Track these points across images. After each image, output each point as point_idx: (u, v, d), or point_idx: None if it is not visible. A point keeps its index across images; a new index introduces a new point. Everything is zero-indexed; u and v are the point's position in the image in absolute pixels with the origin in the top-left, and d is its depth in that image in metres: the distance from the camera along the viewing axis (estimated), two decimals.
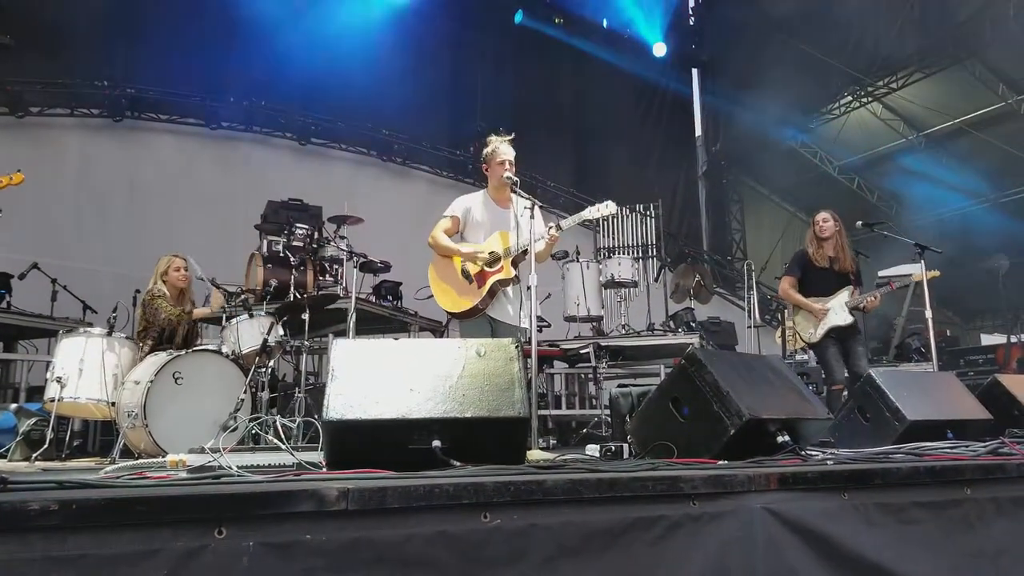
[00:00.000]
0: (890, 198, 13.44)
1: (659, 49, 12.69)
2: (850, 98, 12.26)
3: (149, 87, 9.27)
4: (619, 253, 8.15)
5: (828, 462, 2.52)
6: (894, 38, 10.68)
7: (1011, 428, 3.48)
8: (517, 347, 2.57)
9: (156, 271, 5.18)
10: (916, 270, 5.14)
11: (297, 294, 5.57)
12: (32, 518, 1.43)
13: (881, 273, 8.26)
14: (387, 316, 6.75)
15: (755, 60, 11.64)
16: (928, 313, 4.95)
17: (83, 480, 1.81)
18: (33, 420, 4.15)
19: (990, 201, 12.31)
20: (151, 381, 3.92)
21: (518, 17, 11.63)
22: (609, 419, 5.64)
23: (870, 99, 12.18)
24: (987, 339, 9.65)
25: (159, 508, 1.54)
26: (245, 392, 4.00)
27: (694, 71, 13.95)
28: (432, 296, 4.28)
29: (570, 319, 7.24)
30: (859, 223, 5.66)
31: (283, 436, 3.16)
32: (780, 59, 11.13)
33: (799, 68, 11.07)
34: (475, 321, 4.13)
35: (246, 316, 4.67)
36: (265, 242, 6.45)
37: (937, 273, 5.32)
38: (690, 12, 13.56)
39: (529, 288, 3.85)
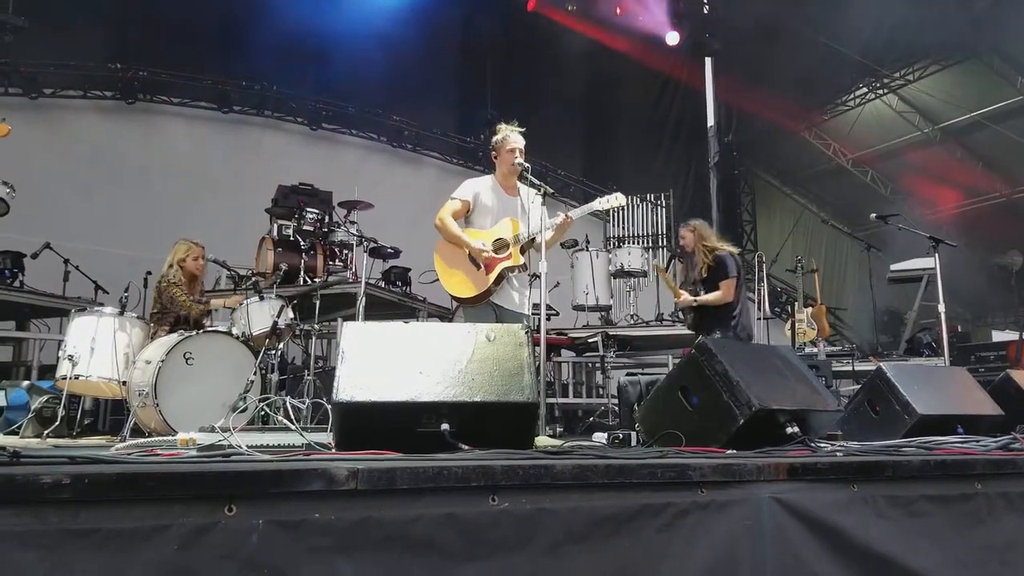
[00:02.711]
0: (904, 191, 13.32)
1: (672, 38, 12.57)
2: (865, 90, 12.12)
3: (162, 70, 9.28)
4: (629, 242, 8.13)
5: (837, 453, 2.51)
6: (911, 29, 10.54)
7: (1022, 424, 3.45)
8: (527, 333, 2.57)
9: (173, 255, 5.04)
10: (929, 263, 5.09)
11: (307, 278, 5.59)
12: (45, 492, 1.44)
13: (893, 267, 8.21)
14: (396, 302, 6.76)
15: (769, 50, 11.51)
16: (941, 307, 4.91)
17: (95, 456, 1.83)
18: (45, 398, 4.19)
19: (1005, 196, 12.18)
20: (162, 361, 3.95)
21: (530, 4, 11.56)
22: (616, 408, 5.64)
23: (886, 91, 12.04)
24: (998, 336, 9.57)
25: (170, 484, 1.55)
26: (255, 373, 4.02)
27: (707, 60, 13.80)
28: (437, 280, 4.27)
29: (578, 308, 7.23)
30: (873, 215, 5.61)
31: (293, 417, 3.18)
32: (795, 49, 11.01)
33: (814, 58, 10.95)
34: (480, 308, 4.11)
35: (257, 298, 4.68)
36: (275, 226, 6.47)
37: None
38: (704, 1, 13.41)
39: (538, 276, 3.85)
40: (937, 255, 5.05)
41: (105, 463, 1.74)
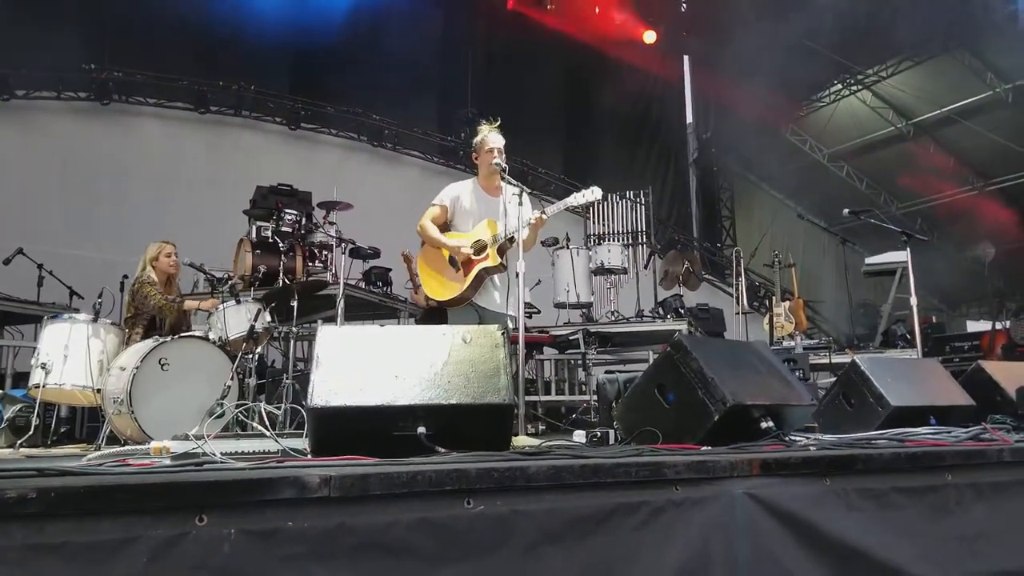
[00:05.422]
0: (878, 186, 13.49)
1: (650, 36, 12.62)
2: (840, 86, 12.26)
3: (137, 70, 9.16)
4: (609, 240, 8.15)
5: (811, 448, 2.54)
6: (885, 26, 10.66)
7: (993, 414, 3.51)
8: (503, 333, 2.57)
9: (145, 257, 5.05)
10: (903, 257, 5.16)
11: (286, 280, 5.55)
12: (10, 506, 1.41)
13: (868, 260, 8.31)
14: (376, 302, 6.73)
15: (746, 47, 11.58)
16: (913, 300, 4.98)
17: (64, 467, 1.80)
18: (18, 407, 4.12)
19: (977, 189, 12.38)
20: (136, 367, 3.89)
21: (509, 2, 11.56)
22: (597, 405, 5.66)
23: (860, 87, 12.19)
24: (972, 326, 9.74)
25: (139, 496, 1.53)
26: (232, 379, 3.98)
27: (685, 58, 13.89)
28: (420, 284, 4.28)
29: (559, 305, 7.24)
30: (846, 211, 5.67)
31: (268, 423, 3.16)
32: (771, 46, 11.08)
33: (790, 55, 11.03)
34: (462, 310, 4.14)
35: (233, 302, 4.64)
36: (254, 228, 6.40)
37: None
38: None
39: (517, 275, 3.86)
40: (909, 248, 5.12)
41: (73, 475, 1.71)
